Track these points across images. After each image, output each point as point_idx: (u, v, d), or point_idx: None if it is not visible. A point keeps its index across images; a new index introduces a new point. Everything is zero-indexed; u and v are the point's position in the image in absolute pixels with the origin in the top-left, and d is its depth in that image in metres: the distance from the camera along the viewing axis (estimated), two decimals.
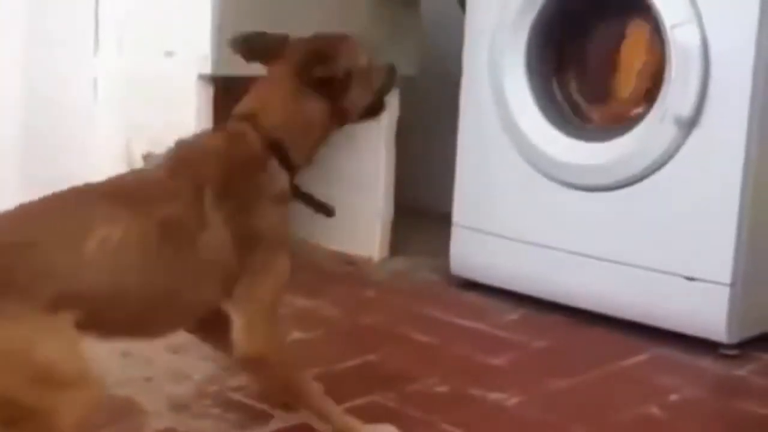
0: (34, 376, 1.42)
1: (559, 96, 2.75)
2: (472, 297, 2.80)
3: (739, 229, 2.40)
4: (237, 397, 2.04)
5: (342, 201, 3.09)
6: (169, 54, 2.64)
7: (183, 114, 2.62)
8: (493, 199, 2.79)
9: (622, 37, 2.67)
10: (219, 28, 2.56)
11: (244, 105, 1.80)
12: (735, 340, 2.45)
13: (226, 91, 2.63)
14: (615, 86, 2.71)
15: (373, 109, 1.89)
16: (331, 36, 1.83)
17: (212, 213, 1.63)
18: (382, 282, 2.92)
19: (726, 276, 2.42)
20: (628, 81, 2.68)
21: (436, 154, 3.34)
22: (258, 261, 1.69)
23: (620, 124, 2.62)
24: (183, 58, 2.62)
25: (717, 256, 2.43)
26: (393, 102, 3.06)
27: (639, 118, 2.54)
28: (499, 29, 2.71)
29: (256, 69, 2.63)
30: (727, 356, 2.44)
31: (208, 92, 2.62)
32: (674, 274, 2.48)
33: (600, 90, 2.73)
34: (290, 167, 1.76)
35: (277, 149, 1.73)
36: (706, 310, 2.44)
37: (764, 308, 2.54)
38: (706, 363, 2.42)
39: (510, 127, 2.72)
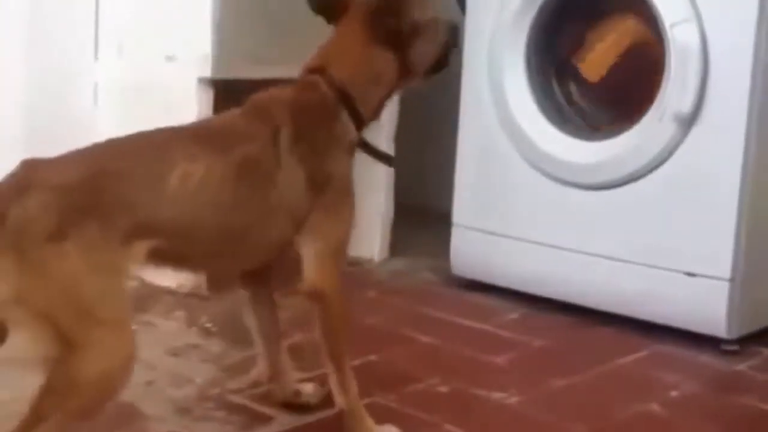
0: (78, 304, 1.47)
1: (558, 95, 2.76)
2: (472, 297, 2.81)
3: (739, 225, 2.41)
4: (239, 399, 2.05)
5: None
6: (169, 58, 2.64)
7: (183, 118, 2.60)
8: (493, 199, 2.80)
9: (619, 36, 2.69)
10: (219, 32, 2.57)
11: (315, 59, 1.85)
12: (735, 335, 2.46)
13: (226, 95, 2.64)
14: (614, 85, 2.72)
15: (438, 65, 1.92)
16: None
17: (287, 154, 1.71)
18: (383, 282, 2.92)
19: (726, 271, 2.43)
20: (626, 80, 2.70)
21: (435, 154, 3.34)
22: (328, 202, 1.76)
23: (621, 122, 2.63)
24: (183, 61, 2.62)
25: (717, 252, 2.44)
26: (393, 103, 3.07)
27: (639, 117, 2.55)
28: (499, 29, 2.72)
29: (257, 72, 2.66)
30: (727, 352, 2.45)
31: (209, 96, 2.62)
32: (674, 271, 2.49)
33: (598, 89, 2.74)
34: (358, 120, 1.81)
35: (347, 101, 1.80)
36: (706, 305, 2.45)
37: (764, 303, 2.55)
38: (707, 359, 2.43)
39: (510, 126, 2.73)
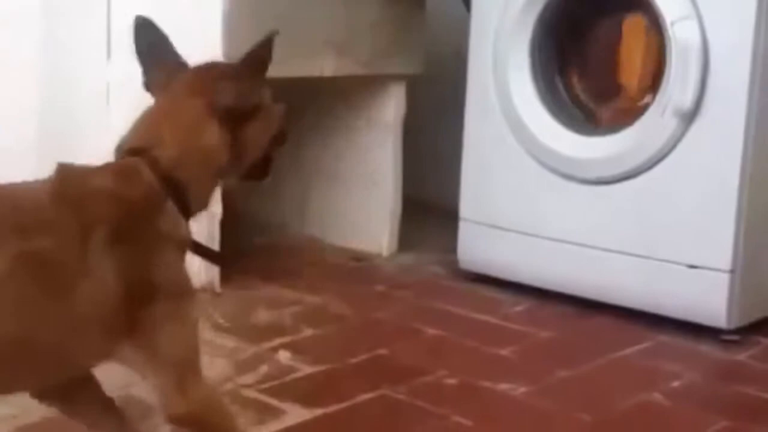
0: None
1: (562, 92, 2.79)
2: (479, 290, 2.84)
3: (739, 217, 2.45)
4: (251, 394, 2.07)
5: (351, 198, 3.18)
6: None
7: None
8: (499, 194, 2.84)
9: (621, 33, 2.71)
10: (229, 34, 2.58)
11: (135, 135, 1.53)
12: (735, 325, 2.50)
13: None
14: (617, 81, 2.76)
15: (263, 166, 1.66)
16: (234, 64, 1.60)
17: (100, 259, 1.36)
18: (391, 277, 2.95)
19: (726, 263, 2.46)
20: (630, 76, 2.73)
21: (442, 150, 3.38)
22: (163, 314, 1.43)
23: (623, 118, 2.66)
24: (194, 61, 2.65)
25: (717, 244, 2.47)
26: (400, 100, 3.12)
27: (641, 112, 2.59)
28: (504, 27, 2.75)
29: (271, 72, 2.69)
30: (727, 342, 2.49)
31: None
32: (676, 263, 2.53)
33: (602, 85, 2.78)
34: (186, 211, 1.50)
35: (176, 190, 1.48)
36: (707, 297, 2.49)
37: (764, 294, 2.59)
38: (708, 349, 2.47)
39: (515, 122, 2.76)
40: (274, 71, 2.77)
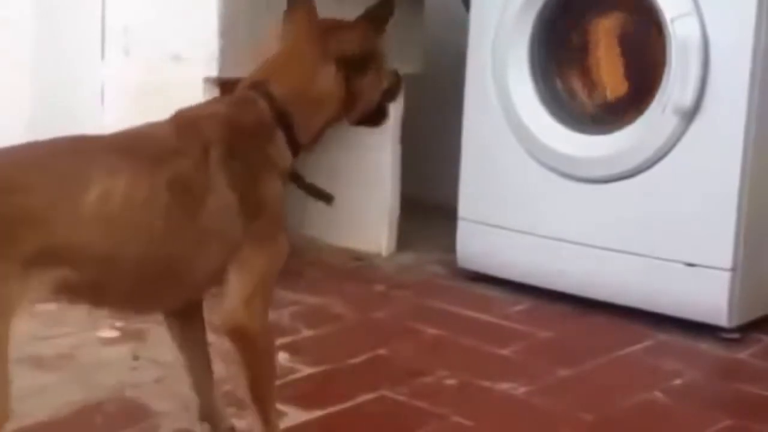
0: None
1: (562, 91, 2.79)
2: (478, 289, 2.84)
3: (739, 215, 2.45)
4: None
5: (349, 197, 3.16)
6: (175, 58, 2.65)
7: None
8: (498, 193, 2.83)
9: (621, 31, 2.72)
10: (225, 32, 2.58)
11: (257, 71, 1.70)
12: (735, 323, 2.49)
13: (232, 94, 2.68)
14: (616, 80, 2.75)
15: (377, 114, 1.83)
16: (354, 20, 1.76)
17: (217, 174, 1.54)
18: (391, 277, 2.95)
19: (727, 261, 2.46)
20: (628, 75, 2.73)
21: (441, 149, 3.38)
22: (260, 231, 1.59)
23: (623, 116, 2.66)
24: (189, 61, 2.64)
25: (718, 242, 2.47)
26: (399, 100, 3.10)
27: (640, 111, 2.58)
28: (503, 26, 2.75)
29: None
30: (728, 340, 2.49)
31: (215, 95, 2.60)
32: (676, 261, 2.52)
33: (601, 84, 2.77)
34: (294, 145, 1.66)
35: (286, 123, 1.64)
36: (708, 295, 2.48)
37: (764, 291, 2.59)
38: (708, 347, 2.46)
39: (513, 121, 2.76)
40: None
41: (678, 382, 2.25)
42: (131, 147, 1.52)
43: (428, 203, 3.43)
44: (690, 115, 2.46)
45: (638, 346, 2.45)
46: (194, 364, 1.80)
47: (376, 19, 1.75)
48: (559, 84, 2.79)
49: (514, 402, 2.11)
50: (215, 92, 2.63)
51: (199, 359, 1.80)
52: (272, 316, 2.48)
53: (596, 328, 2.58)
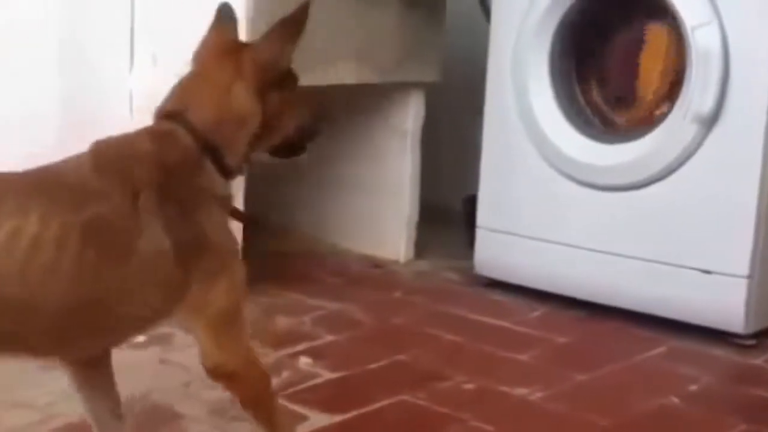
0: None
1: (581, 100, 2.82)
2: (495, 296, 2.86)
3: (758, 222, 2.47)
4: None
5: (369, 205, 3.20)
6: None
7: None
8: (516, 201, 2.86)
9: (641, 41, 2.73)
10: (250, 41, 2.61)
11: (171, 101, 1.60)
12: (752, 330, 2.52)
13: None
14: (636, 89, 2.78)
15: (293, 146, 1.70)
16: (265, 35, 1.64)
17: (151, 220, 1.44)
18: (409, 283, 2.98)
19: (744, 269, 2.48)
20: (648, 84, 2.75)
21: (459, 157, 3.40)
22: (208, 269, 1.50)
23: (641, 125, 2.69)
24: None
25: (735, 249, 2.50)
26: (418, 107, 3.14)
27: (659, 120, 2.61)
28: (523, 34, 2.77)
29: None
30: (744, 346, 2.51)
31: None
32: (693, 269, 2.54)
33: (621, 93, 2.80)
34: (225, 171, 1.56)
35: (211, 150, 1.54)
36: (724, 302, 2.51)
37: None
38: (723, 353, 2.49)
39: (533, 129, 2.79)
40: None
41: (694, 387, 2.27)
42: (49, 188, 1.43)
43: (446, 211, 3.46)
44: (709, 123, 2.48)
45: (654, 352, 2.48)
46: (102, 415, 1.67)
47: (288, 28, 1.64)
48: (578, 92, 2.82)
49: (531, 407, 2.14)
50: None
51: (108, 409, 1.67)
52: (293, 321, 2.58)
53: (612, 334, 2.61)
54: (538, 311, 2.75)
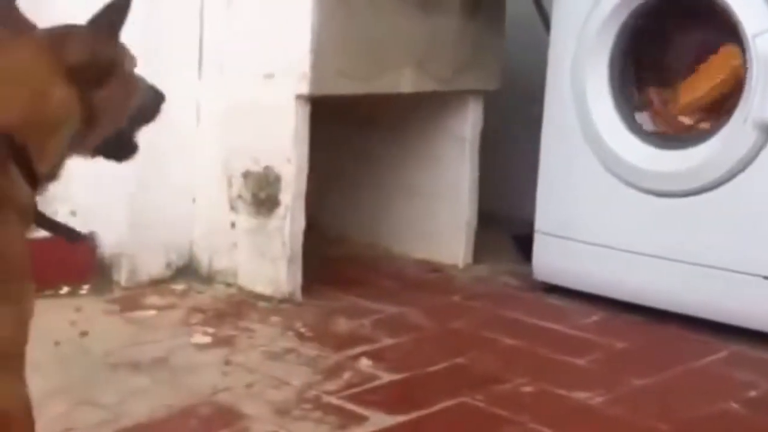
0: None
1: (640, 105, 2.82)
2: (553, 300, 2.88)
3: None
4: (334, 400, 2.12)
5: (427, 210, 3.24)
6: (268, 76, 2.72)
7: (281, 133, 2.71)
8: (574, 207, 2.87)
9: (707, 51, 2.74)
10: (316, 50, 2.64)
11: None
12: None
13: (319, 109, 2.73)
14: (693, 96, 2.79)
15: (124, 144, 1.55)
16: (81, 25, 1.46)
17: None
18: (467, 288, 3.00)
19: None
20: (692, 90, 2.76)
21: (517, 164, 3.41)
22: None
23: (700, 130, 2.69)
24: (281, 79, 2.69)
25: None
26: (477, 114, 3.17)
27: (719, 124, 2.61)
28: (582, 41, 2.79)
29: (351, 87, 2.76)
30: None
31: (306, 112, 2.69)
32: (753, 275, 2.54)
33: (679, 97, 2.81)
34: (31, 177, 1.37)
35: (15, 151, 1.34)
36: None
37: None
38: None
39: (591, 135, 2.79)
40: (360, 88, 2.85)
41: (753, 393, 2.26)
42: None
43: (504, 216, 3.47)
44: None
45: (713, 357, 2.47)
46: None
47: (106, 23, 1.47)
48: (637, 98, 2.83)
49: (590, 411, 2.15)
50: (306, 109, 2.71)
51: None
52: (353, 324, 2.62)
53: (671, 339, 2.61)
54: (596, 316, 2.76)
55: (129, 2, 1.47)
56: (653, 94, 2.83)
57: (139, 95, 1.53)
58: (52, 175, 1.42)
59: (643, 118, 2.81)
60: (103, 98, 1.44)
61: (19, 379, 1.34)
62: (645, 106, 2.82)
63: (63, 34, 1.44)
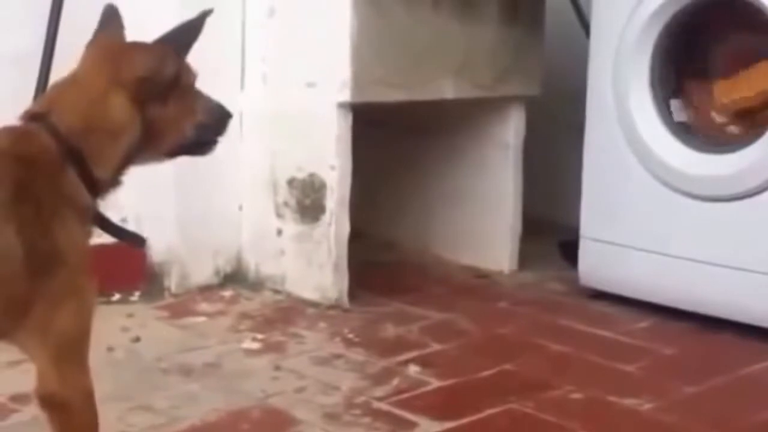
0: None
1: (683, 110, 2.81)
2: (600, 306, 2.87)
3: None
4: (383, 406, 2.14)
5: (473, 217, 3.24)
6: (310, 84, 2.75)
7: (324, 140, 2.74)
8: (619, 212, 2.86)
9: (748, 57, 2.73)
10: (357, 58, 2.66)
11: (41, 102, 1.51)
12: None
13: (362, 118, 2.76)
14: (738, 96, 2.77)
15: (198, 147, 1.59)
16: (152, 42, 1.53)
17: (2, 219, 1.34)
18: (513, 294, 3.00)
19: None
20: (731, 91, 2.75)
21: (561, 170, 3.41)
22: (58, 289, 1.38)
23: (744, 134, 2.68)
24: (323, 87, 2.72)
25: None
26: (520, 121, 3.17)
27: (764, 128, 2.59)
28: (623, 45, 2.78)
29: (392, 95, 2.78)
30: None
31: (348, 120, 2.71)
32: None
33: (723, 101, 2.78)
34: (91, 182, 1.44)
35: (76, 157, 1.42)
36: None
37: None
38: None
39: (634, 140, 2.79)
40: (401, 95, 2.86)
41: None
42: None
43: (549, 222, 3.47)
44: None
45: (763, 364, 2.45)
46: None
47: (177, 42, 1.53)
48: (681, 103, 2.81)
49: (640, 417, 2.14)
50: (348, 117, 2.73)
51: None
52: (401, 330, 2.63)
53: (719, 346, 2.59)
54: (644, 322, 2.75)
55: (203, 23, 1.54)
56: (691, 85, 2.81)
57: (205, 113, 1.57)
58: (114, 181, 1.48)
59: (675, 105, 2.79)
60: (163, 113, 1.49)
61: (83, 370, 1.42)
62: (679, 94, 2.80)
63: (128, 48, 1.51)
